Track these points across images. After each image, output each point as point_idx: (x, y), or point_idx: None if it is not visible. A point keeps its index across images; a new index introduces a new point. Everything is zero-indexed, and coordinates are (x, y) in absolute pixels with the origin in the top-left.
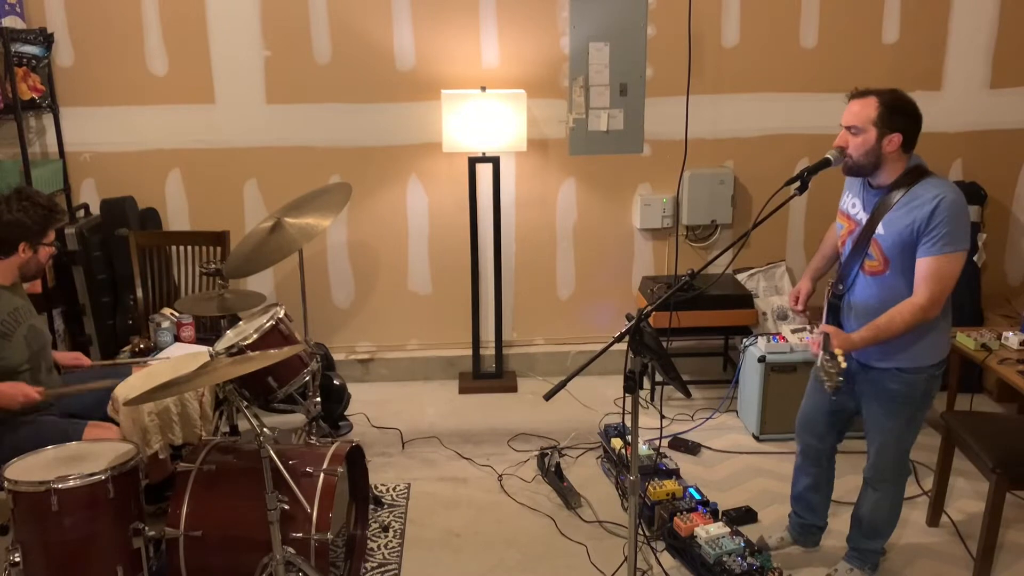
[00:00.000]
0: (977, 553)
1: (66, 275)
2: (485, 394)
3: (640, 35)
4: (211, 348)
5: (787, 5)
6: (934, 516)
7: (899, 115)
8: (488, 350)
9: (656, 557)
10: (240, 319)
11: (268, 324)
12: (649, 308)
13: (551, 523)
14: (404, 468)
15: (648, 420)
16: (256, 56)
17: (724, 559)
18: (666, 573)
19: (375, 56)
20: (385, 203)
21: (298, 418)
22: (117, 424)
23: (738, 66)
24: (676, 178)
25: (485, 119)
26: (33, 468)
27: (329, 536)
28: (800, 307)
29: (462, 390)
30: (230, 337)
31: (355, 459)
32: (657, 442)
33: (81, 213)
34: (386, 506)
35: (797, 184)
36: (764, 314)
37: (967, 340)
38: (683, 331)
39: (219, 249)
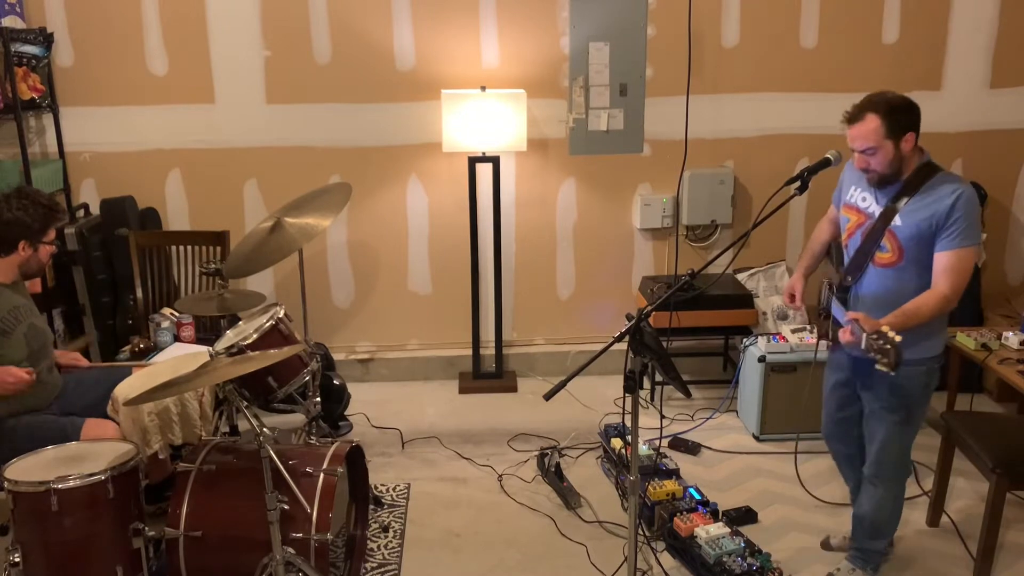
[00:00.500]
0: (977, 553)
1: (66, 275)
2: (485, 394)
3: (640, 35)
4: (211, 348)
5: (787, 5)
6: (934, 516)
7: (900, 115)
8: (488, 350)
9: (656, 557)
10: (240, 319)
11: (268, 324)
12: (649, 308)
13: (551, 523)
14: (404, 468)
15: (648, 420)
16: (256, 56)
17: (724, 559)
18: (666, 573)
19: (375, 56)
20: (385, 203)
21: (298, 418)
22: (116, 423)
23: (738, 66)
24: (676, 178)
25: (485, 119)
26: (33, 468)
27: (329, 536)
28: (797, 303)
29: (462, 390)
30: (230, 337)
31: (355, 459)
32: (657, 442)
33: (81, 213)
34: (386, 506)
35: (797, 184)
36: (764, 314)
37: (967, 340)
38: (683, 331)
39: (219, 249)
